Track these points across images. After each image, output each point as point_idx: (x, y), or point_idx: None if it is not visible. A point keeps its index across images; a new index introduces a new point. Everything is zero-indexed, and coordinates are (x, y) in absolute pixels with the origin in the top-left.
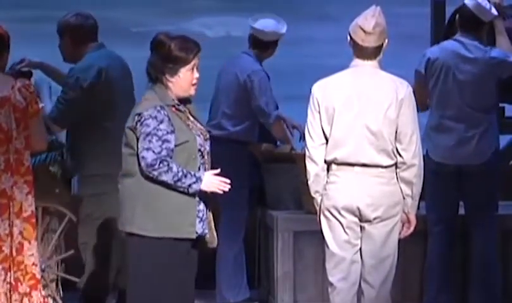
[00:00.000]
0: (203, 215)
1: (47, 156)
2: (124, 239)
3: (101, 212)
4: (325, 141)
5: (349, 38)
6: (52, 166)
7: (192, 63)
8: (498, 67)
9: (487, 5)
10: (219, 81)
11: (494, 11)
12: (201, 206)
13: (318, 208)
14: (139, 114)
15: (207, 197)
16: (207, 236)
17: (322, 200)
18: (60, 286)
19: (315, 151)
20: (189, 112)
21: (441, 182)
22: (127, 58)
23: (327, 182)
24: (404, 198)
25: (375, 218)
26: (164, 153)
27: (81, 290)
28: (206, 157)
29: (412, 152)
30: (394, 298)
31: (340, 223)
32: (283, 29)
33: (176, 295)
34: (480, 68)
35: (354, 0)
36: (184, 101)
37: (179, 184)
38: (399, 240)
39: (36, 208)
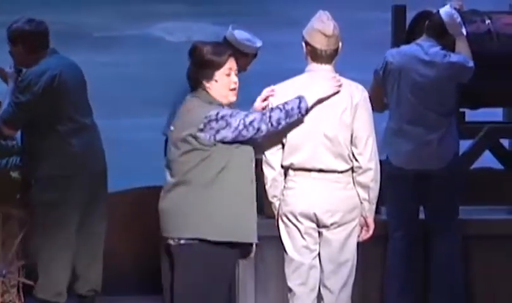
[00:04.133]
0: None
1: (8, 161)
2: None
3: (55, 219)
4: (281, 146)
5: (304, 44)
6: (13, 171)
7: (227, 66)
8: (457, 72)
9: (458, 19)
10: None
11: (464, 30)
12: None
13: (276, 213)
14: (206, 116)
15: None
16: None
17: (280, 205)
18: (21, 292)
19: (272, 157)
20: None
21: (401, 187)
22: (89, 62)
23: (284, 187)
24: (361, 202)
25: (332, 224)
26: (253, 113)
27: (36, 298)
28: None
29: (368, 156)
30: (355, 302)
31: (298, 228)
32: (259, 43)
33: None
34: (438, 72)
35: (320, 6)
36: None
37: (290, 113)
38: (359, 245)
39: None
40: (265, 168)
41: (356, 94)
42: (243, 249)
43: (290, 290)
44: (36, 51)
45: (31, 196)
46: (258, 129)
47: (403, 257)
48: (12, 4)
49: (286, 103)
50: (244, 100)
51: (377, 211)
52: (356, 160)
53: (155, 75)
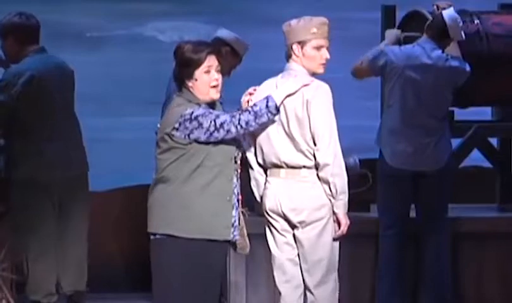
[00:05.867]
0: (235, 221)
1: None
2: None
3: (31, 221)
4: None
5: None
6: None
7: (205, 64)
8: (457, 76)
9: (461, 24)
10: (170, 85)
11: (463, 35)
12: (234, 212)
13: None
14: (182, 115)
15: (238, 204)
16: (238, 242)
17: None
18: (14, 289)
19: (249, 155)
20: None
21: (395, 186)
22: (81, 62)
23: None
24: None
25: (300, 223)
26: (225, 114)
27: (29, 299)
28: (238, 162)
29: (324, 151)
30: (344, 301)
31: (275, 227)
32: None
33: (202, 296)
34: (440, 76)
35: (308, 5)
36: (210, 106)
37: (259, 114)
38: (350, 243)
39: None
40: (249, 168)
41: (308, 91)
42: (222, 245)
43: (276, 287)
44: (27, 44)
45: (8, 198)
46: (228, 131)
47: (394, 256)
48: (4, 3)
49: (254, 104)
50: (232, 98)
51: (367, 210)
52: (315, 156)
53: (147, 74)
